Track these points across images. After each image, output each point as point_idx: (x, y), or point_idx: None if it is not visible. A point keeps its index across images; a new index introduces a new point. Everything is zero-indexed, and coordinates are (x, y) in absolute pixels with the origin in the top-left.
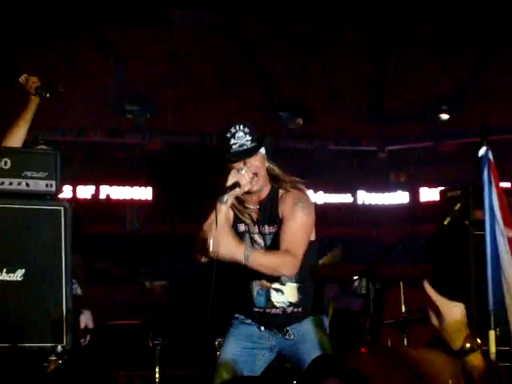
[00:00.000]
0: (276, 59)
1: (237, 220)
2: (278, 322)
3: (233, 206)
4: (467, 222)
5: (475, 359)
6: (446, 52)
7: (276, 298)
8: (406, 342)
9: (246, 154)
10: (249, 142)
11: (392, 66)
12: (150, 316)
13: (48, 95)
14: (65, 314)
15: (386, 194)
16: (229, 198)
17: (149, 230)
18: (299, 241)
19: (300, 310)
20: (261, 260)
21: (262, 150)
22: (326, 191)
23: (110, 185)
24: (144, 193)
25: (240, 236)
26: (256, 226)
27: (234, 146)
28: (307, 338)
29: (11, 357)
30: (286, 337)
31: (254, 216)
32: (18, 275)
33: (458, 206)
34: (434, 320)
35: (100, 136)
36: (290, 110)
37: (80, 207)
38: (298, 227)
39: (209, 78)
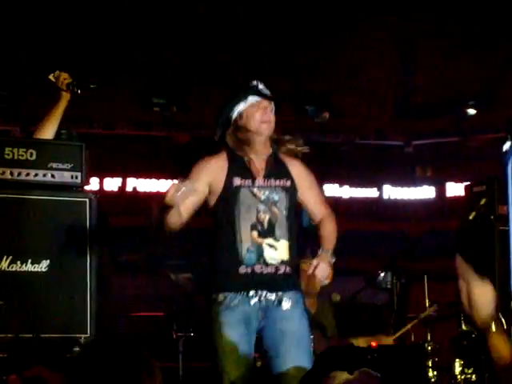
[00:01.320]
0: (302, 53)
1: (231, 174)
2: (269, 283)
3: (231, 158)
4: (492, 217)
5: (497, 340)
6: (475, 46)
7: (269, 253)
8: (429, 337)
9: (275, 97)
10: (268, 92)
11: (419, 60)
12: (174, 308)
13: (79, 91)
14: (89, 306)
15: (412, 189)
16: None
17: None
18: (323, 197)
19: (290, 270)
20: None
21: None
22: (351, 185)
23: (137, 177)
24: None
25: (234, 191)
26: (259, 179)
27: (264, 90)
28: (295, 328)
29: (35, 348)
30: (283, 307)
31: (261, 168)
32: (43, 266)
33: (484, 200)
34: (464, 296)
35: (127, 129)
36: (317, 104)
37: (107, 199)
38: (318, 187)
39: (235, 71)
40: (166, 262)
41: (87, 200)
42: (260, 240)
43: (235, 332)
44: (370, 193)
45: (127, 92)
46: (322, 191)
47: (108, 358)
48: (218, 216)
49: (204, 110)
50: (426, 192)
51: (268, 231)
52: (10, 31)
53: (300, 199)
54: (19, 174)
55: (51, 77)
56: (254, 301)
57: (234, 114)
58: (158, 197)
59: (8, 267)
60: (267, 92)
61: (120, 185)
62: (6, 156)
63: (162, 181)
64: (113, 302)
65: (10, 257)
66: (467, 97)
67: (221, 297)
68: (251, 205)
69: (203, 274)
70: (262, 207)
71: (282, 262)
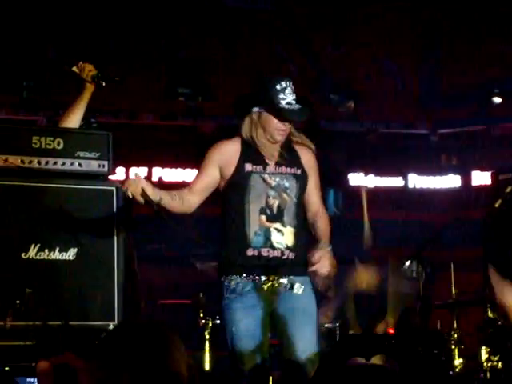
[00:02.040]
0: (327, 41)
1: (243, 159)
2: (277, 268)
3: (244, 143)
4: None
5: None
6: (500, 34)
7: (276, 238)
8: (455, 325)
9: (302, 116)
10: (294, 102)
11: (444, 47)
12: (200, 296)
13: (104, 84)
14: (116, 293)
15: (438, 178)
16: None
17: (200, 211)
18: (320, 191)
19: (294, 256)
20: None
21: None
22: (376, 174)
23: (163, 167)
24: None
25: (245, 176)
26: (270, 166)
27: (287, 105)
28: (305, 306)
29: (63, 335)
30: (295, 291)
31: (273, 154)
32: (71, 254)
33: (510, 188)
34: (500, 303)
35: (153, 119)
36: (342, 94)
37: None
38: (319, 181)
39: (260, 60)
40: (191, 251)
41: (114, 189)
42: (268, 224)
43: (249, 318)
44: (396, 182)
45: (152, 82)
46: (320, 186)
47: (133, 339)
48: (227, 200)
49: (229, 99)
50: (452, 181)
51: (276, 216)
52: (36, 23)
53: None
54: (47, 163)
55: (75, 69)
56: (266, 286)
57: (254, 110)
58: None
59: (36, 255)
60: (292, 100)
61: (146, 174)
62: (34, 145)
63: (188, 170)
64: (139, 290)
65: (38, 245)
66: (493, 85)
67: (233, 283)
68: (261, 190)
69: None
70: (272, 193)
71: (288, 248)
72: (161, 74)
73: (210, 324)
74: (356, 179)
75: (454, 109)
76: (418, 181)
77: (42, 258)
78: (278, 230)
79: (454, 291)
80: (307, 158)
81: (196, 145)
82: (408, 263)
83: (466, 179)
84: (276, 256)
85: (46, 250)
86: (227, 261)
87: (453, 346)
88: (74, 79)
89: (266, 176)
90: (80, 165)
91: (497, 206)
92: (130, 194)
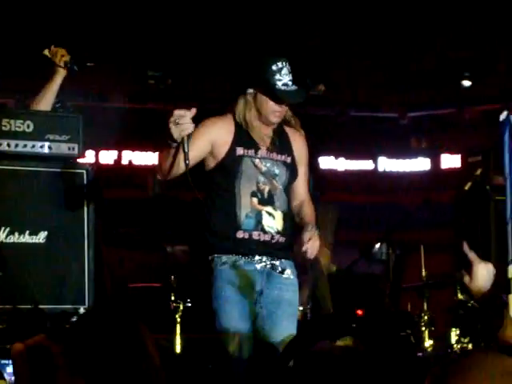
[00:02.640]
0: (297, 26)
1: (236, 142)
2: (268, 250)
3: (237, 124)
4: (488, 187)
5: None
6: (469, 17)
7: (267, 221)
8: (425, 307)
9: (298, 98)
10: (291, 83)
11: (413, 30)
12: (171, 279)
13: (77, 69)
14: (87, 276)
15: (407, 161)
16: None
17: (170, 195)
18: (307, 179)
19: (283, 241)
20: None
21: None
22: (347, 158)
23: (133, 150)
24: None
25: (236, 160)
26: (262, 150)
27: (283, 86)
28: (291, 297)
29: (33, 319)
30: (285, 275)
31: (265, 139)
32: (41, 237)
33: (479, 171)
34: (467, 279)
35: (122, 101)
36: (312, 77)
37: (103, 172)
38: (307, 168)
39: (231, 42)
40: (162, 234)
41: (84, 171)
42: (260, 207)
43: (238, 292)
44: (366, 165)
45: (122, 65)
46: (308, 172)
47: (105, 327)
48: (215, 181)
49: (200, 83)
50: (421, 164)
51: (268, 200)
52: (3, 4)
53: None
54: (16, 146)
55: (46, 52)
56: (259, 265)
57: (249, 91)
58: (153, 170)
59: (6, 239)
60: (288, 81)
61: (116, 158)
62: (4, 127)
63: (158, 153)
64: (107, 274)
65: (8, 228)
66: (462, 68)
67: (224, 257)
68: (252, 175)
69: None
70: (261, 179)
71: (278, 232)
72: (131, 56)
73: (181, 307)
74: (326, 162)
75: (424, 92)
76: (387, 164)
77: (11, 241)
78: (270, 214)
79: (423, 273)
80: (299, 145)
81: (166, 128)
82: (378, 246)
83: (436, 162)
84: (266, 240)
85: (16, 234)
86: (215, 240)
87: (423, 328)
88: (43, 62)
89: (256, 161)
90: (50, 147)
91: (466, 188)
92: (177, 127)
